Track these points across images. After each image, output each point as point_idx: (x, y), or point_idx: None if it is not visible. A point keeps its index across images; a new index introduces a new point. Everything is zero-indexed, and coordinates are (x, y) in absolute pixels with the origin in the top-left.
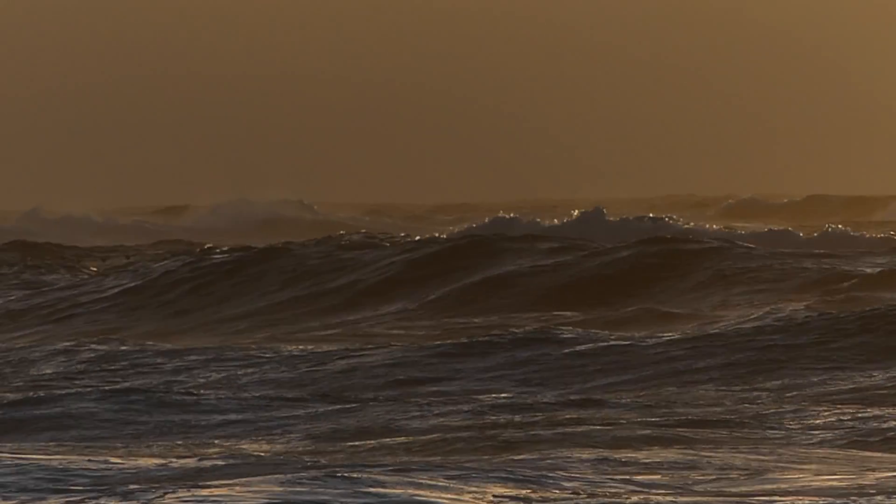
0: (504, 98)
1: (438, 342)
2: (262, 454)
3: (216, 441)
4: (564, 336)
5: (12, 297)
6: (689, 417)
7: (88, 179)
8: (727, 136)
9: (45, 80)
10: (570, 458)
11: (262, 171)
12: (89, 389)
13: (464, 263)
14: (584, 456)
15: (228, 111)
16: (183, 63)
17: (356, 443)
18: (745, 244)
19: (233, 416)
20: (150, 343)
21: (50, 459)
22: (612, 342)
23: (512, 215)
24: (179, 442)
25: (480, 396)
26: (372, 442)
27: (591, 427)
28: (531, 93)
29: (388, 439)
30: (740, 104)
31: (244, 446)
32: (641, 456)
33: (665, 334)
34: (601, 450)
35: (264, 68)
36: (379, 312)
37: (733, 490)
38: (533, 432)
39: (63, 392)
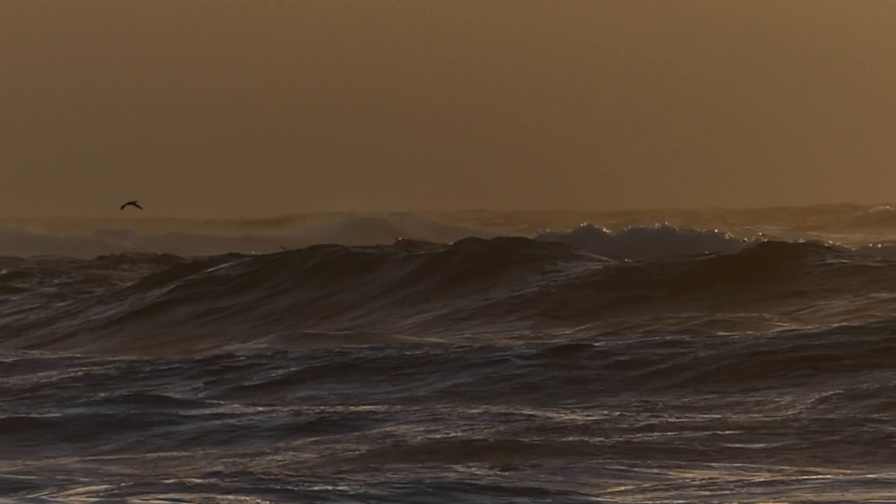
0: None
1: None
2: None
3: None
4: None
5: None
6: None
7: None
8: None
9: (171, 90)
10: None
11: (359, 180)
12: None
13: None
14: None
15: (326, 122)
16: (288, 76)
17: None
18: None
19: None
20: None
21: None
22: None
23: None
24: None
25: None
26: None
27: None
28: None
29: None
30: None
31: None
32: None
33: None
34: None
35: (373, 80)
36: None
37: None
38: None
39: None
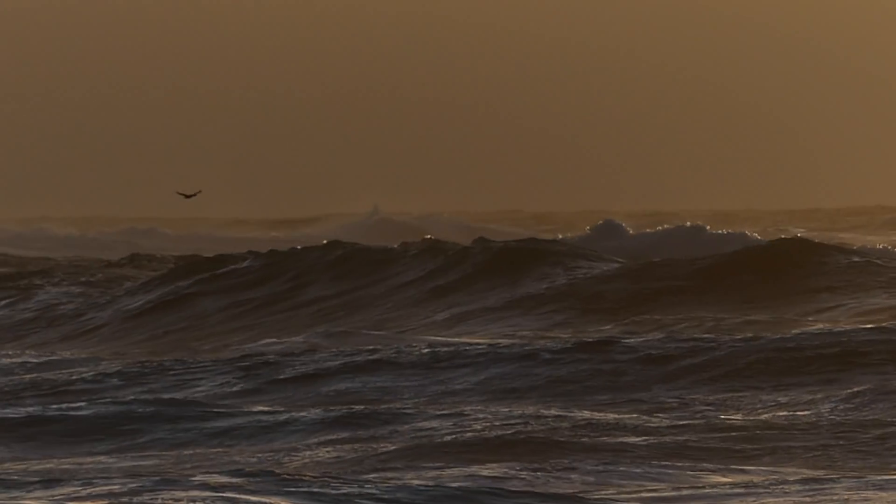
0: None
1: None
2: None
3: None
4: None
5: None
6: None
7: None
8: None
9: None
10: None
11: (389, 182)
12: None
13: None
14: None
15: (352, 123)
16: (318, 77)
17: None
18: None
19: None
20: None
21: None
22: None
23: None
24: None
25: None
26: None
27: None
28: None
29: None
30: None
31: None
32: None
33: None
34: None
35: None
36: None
37: None
38: None
39: None
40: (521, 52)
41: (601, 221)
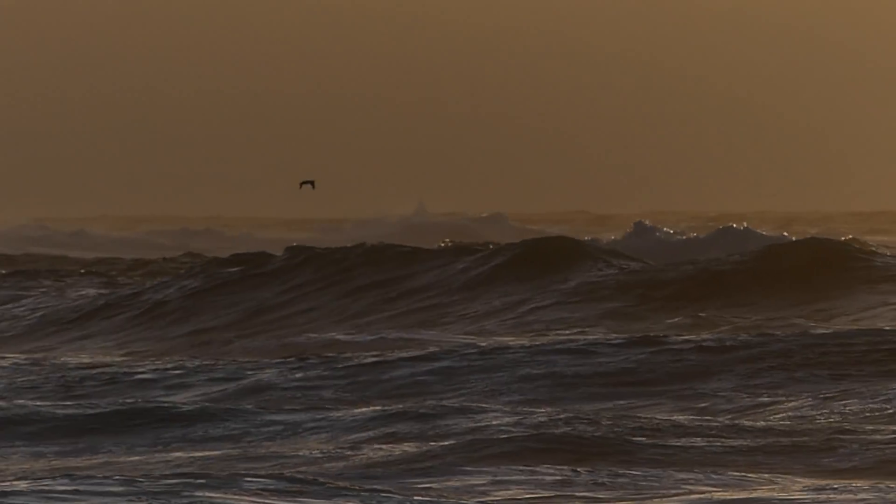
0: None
1: None
2: None
3: None
4: None
5: None
6: None
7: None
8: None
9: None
10: None
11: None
12: None
13: None
14: None
15: (401, 125)
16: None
17: None
18: None
19: None
20: None
21: None
22: None
23: None
24: None
25: None
26: None
27: None
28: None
29: None
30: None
31: None
32: None
33: None
34: None
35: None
36: None
37: None
38: None
39: None
40: (591, 55)
41: (636, 223)
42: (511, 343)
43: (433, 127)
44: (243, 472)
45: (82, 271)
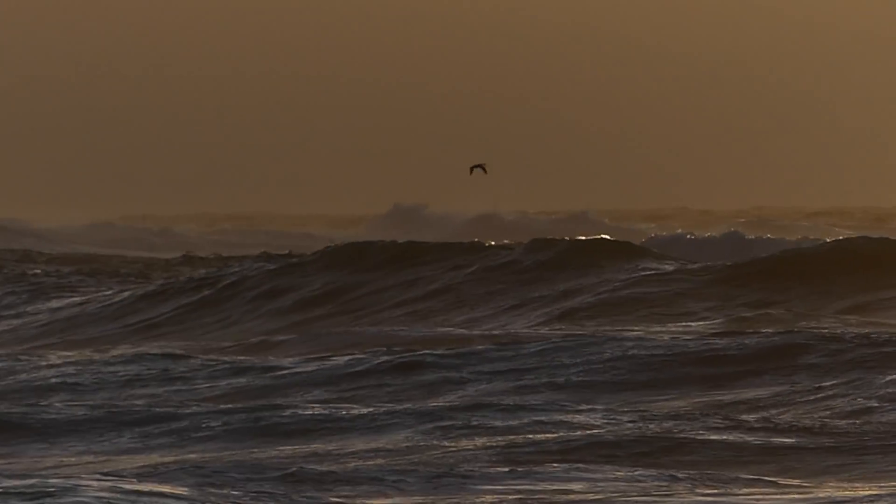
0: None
1: None
2: None
3: None
4: None
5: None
6: None
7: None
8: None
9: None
10: None
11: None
12: None
13: None
14: None
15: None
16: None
17: None
18: None
19: None
20: None
21: None
22: None
23: None
24: None
25: None
26: None
27: None
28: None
29: None
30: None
31: None
32: None
33: None
34: None
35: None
36: None
37: None
38: None
39: None
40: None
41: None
42: (556, 342)
43: (518, 125)
44: None
45: (203, 272)
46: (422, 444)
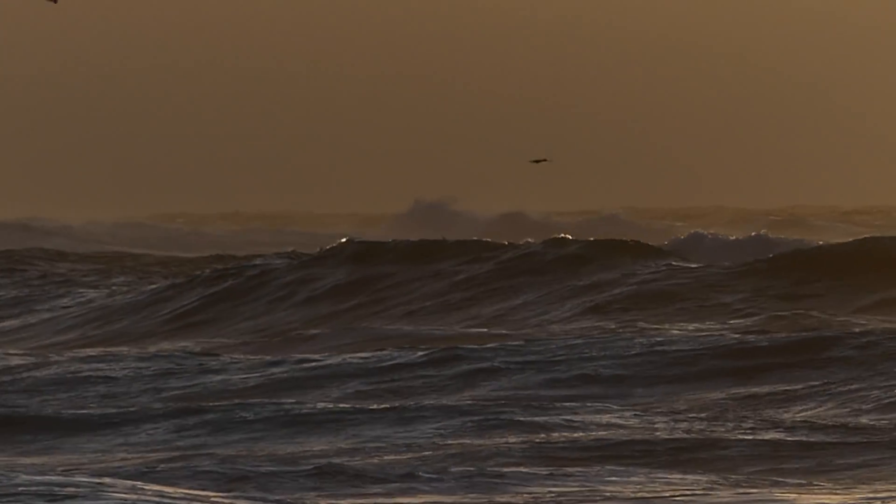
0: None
1: None
2: None
3: None
4: None
5: None
6: None
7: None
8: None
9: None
10: None
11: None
12: None
13: None
14: None
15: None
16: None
17: None
18: None
19: None
20: None
21: None
22: None
23: None
24: None
25: None
26: None
27: None
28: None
29: None
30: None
31: None
32: None
33: None
34: None
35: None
36: None
37: None
38: None
39: None
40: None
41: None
42: (592, 341)
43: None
44: None
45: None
46: (453, 440)
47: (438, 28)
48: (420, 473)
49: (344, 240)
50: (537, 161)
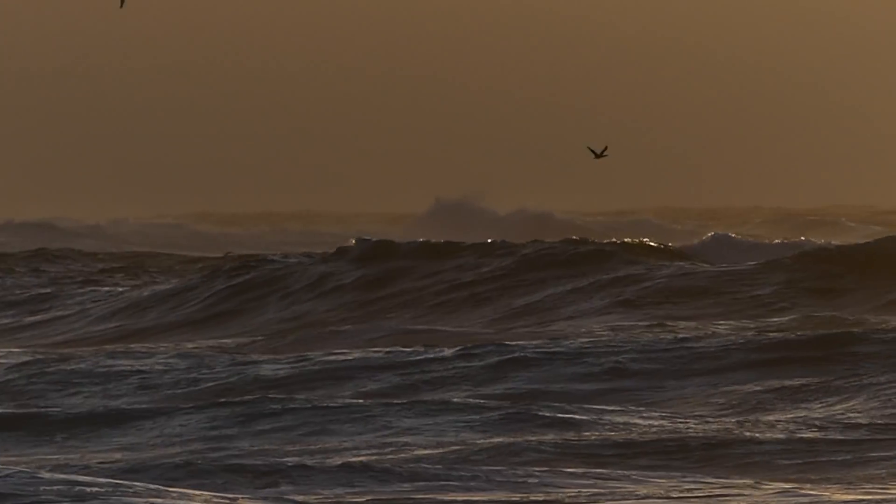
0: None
1: None
2: None
3: None
4: None
5: None
6: None
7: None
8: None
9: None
10: None
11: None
12: None
13: None
14: None
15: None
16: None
17: None
18: None
19: None
20: None
21: None
22: None
23: None
24: None
25: None
26: None
27: None
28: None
29: None
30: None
31: None
32: None
33: None
34: None
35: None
36: None
37: None
38: None
39: None
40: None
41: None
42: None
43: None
44: None
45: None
46: (482, 439)
47: (464, 27)
48: (450, 472)
49: (353, 241)
50: (598, 155)
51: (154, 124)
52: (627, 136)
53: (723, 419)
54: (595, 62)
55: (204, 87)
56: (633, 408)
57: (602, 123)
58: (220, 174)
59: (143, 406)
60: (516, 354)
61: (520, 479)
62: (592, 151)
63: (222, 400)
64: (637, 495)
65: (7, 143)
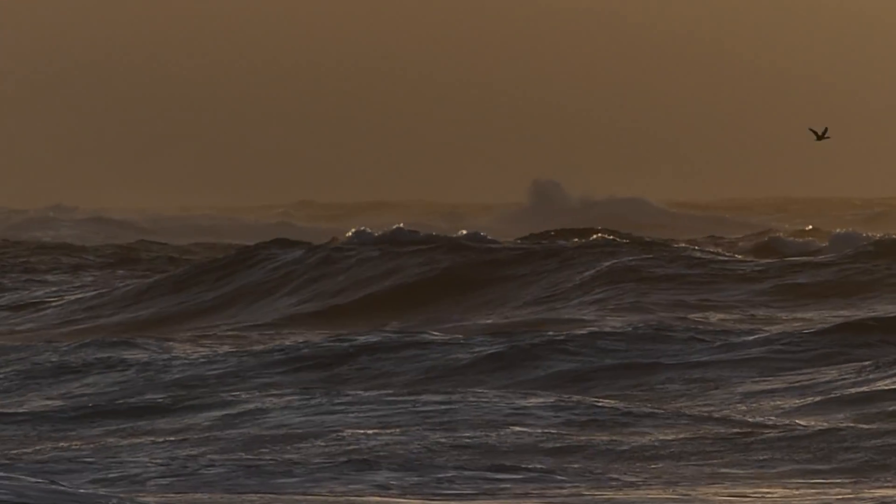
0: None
1: None
2: None
3: None
4: None
5: None
6: None
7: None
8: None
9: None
10: None
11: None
12: None
13: None
14: None
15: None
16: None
17: None
18: None
19: None
20: None
21: None
22: None
23: None
24: None
25: None
26: None
27: None
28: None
29: None
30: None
31: None
32: None
33: None
34: None
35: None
36: None
37: None
38: None
39: None
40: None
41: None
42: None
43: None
44: None
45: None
46: (536, 438)
47: (552, 24)
48: (489, 475)
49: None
50: (820, 136)
51: (211, 119)
52: (713, 128)
53: (768, 413)
54: (693, 51)
55: (248, 80)
56: (694, 401)
57: (684, 114)
58: (269, 167)
59: (152, 399)
60: (568, 345)
61: (594, 479)
62: (815, 132)
63: (243, 396)
64: (710, 496)
65: (94, 137)
